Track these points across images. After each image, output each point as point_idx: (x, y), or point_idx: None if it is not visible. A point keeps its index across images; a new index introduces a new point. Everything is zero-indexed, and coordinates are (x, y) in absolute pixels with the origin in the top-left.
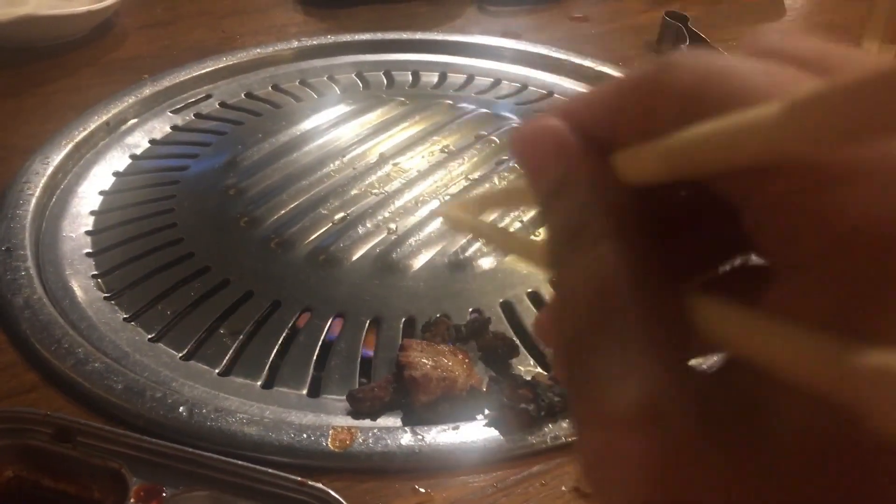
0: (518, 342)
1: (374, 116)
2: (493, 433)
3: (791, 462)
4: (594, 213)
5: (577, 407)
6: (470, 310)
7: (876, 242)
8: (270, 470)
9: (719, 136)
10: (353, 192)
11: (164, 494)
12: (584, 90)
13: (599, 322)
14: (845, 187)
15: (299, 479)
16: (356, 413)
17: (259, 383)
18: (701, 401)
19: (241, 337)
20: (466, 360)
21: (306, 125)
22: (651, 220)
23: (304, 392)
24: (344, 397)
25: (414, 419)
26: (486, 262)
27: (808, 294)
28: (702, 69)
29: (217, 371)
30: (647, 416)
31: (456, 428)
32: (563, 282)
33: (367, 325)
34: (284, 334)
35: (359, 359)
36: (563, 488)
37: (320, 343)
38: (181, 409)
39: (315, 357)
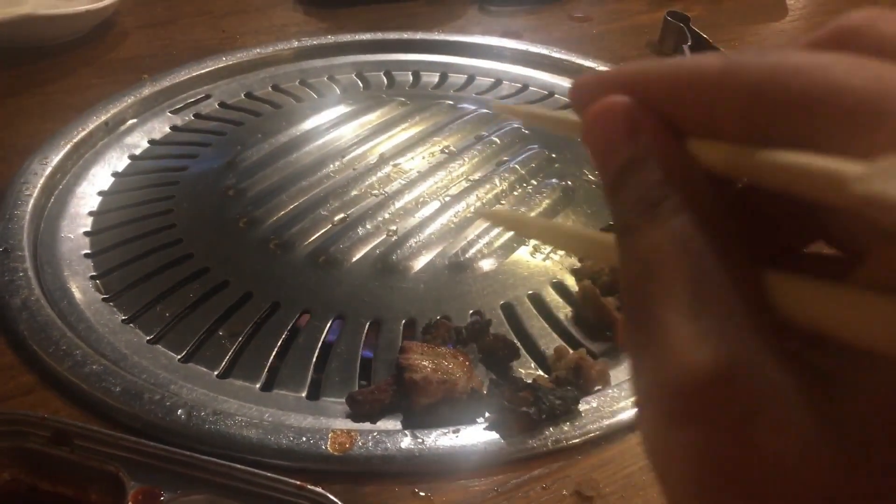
0: (519, 344)
1: (375, 117)
2: (494, 436)
3: (874, 431)
4: (674, 186)
5: (642, 377)
6: (470, 312)
7: None
8: (269, 474)
9: (798, 171)
10: (353, 192)
11: (162, 498)
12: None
13: (677, 288)
14: None
15: (298, 482)
16: (356, 415)
17: (258, 385)
18: (778, 371)
19: (240, 339)
20: (467, 363)
21: (306, 125)
22: (724, 199)
23: (304, 394)
24: (343, 400)
25: (414, 422)
26: (487, 264)
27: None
28: (770, 67)
29: (216, 373)
30: (721, 379)
31: (456, 431)
32: (636, 251)
33: (366, 326)
34: (284, 336)
35: (358, 361)
36: (565, 492)
37: (320, 345)
38: (179, 411)
39: (314, 359)
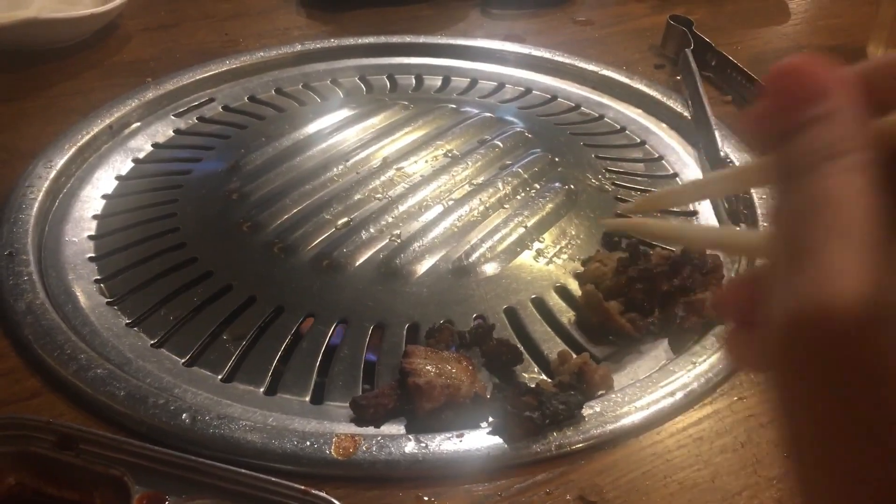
0: (522, 349)
1: (378, 120)
2: (498, 441)
3: None
4: (861, 144)
5: (790, 301)
6: (474, 316)
7: None
8: (272, 478)
9: None
10: (357, 196)
11: (166, 502)
12: (588, 95)
13: (852, 227)
14: None
15: (302, 487)
16: (360, 420)
17: (262, 390)
18: None
19: (244, 343)
20: (471, 367)
21: (309, 129)
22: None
23: (308, 398)
24: (347, 404)
25: (417, 426)
26: (490, 268)
27: None
28: None
29: (220, 377)
30: (873, 316)
31: (460, 436)
32: (812, 188)
33: (370, 331)
34: (287, 340)
35: (362, 365)
36: (568, 497)
37: (323, 349)
38: (184, 415)
39: (318, 363)
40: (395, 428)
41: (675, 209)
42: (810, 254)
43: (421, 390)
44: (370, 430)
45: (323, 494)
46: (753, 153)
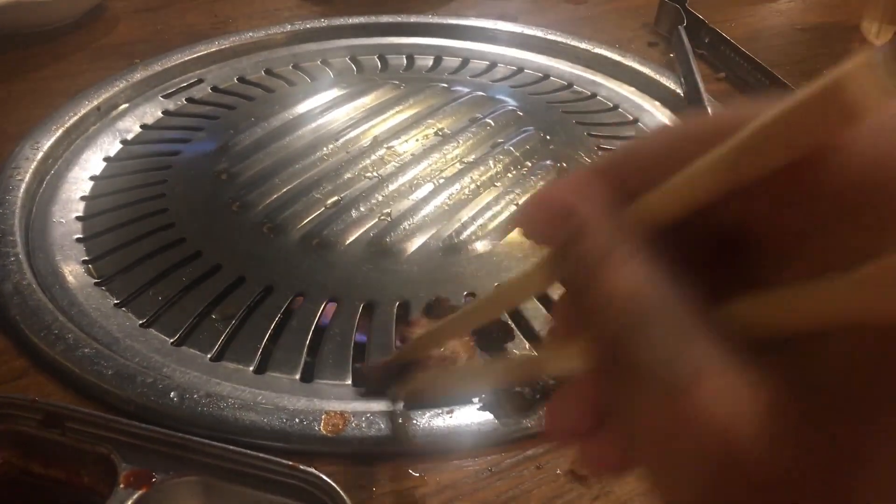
0: (513, 325)
1: (368, 100)
2: (488, 417)
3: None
4: (620, 239)
5: (633, 411)
6: (465, 293)
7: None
8: (261, 454)
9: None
10: (347, 175)
11: (153, 479)
12: (581, 73)
13: (642, 322)
14: (830, 157)
15: (290, 463)
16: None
17: (251, 368)
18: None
19: (234, 322)
20: (471, 343)
21: (299, 109)
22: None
23: (297, 377)
24: (338, 381)
25: (412, 400)
26: (481, 246)
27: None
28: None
29: (209, 356)
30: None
31: (450, 412)
32: (593, 302)
33: (360, 309)
34: (277, 319)
35: (352, 343)
36: (559, 471)
37: (313, 328)
38: (172, 394)
39: (308, 342)
40: (385, 404)
41: None
42: (633, 366)
43: (420, 363)
44: (360, 406)
45: (311, 470)
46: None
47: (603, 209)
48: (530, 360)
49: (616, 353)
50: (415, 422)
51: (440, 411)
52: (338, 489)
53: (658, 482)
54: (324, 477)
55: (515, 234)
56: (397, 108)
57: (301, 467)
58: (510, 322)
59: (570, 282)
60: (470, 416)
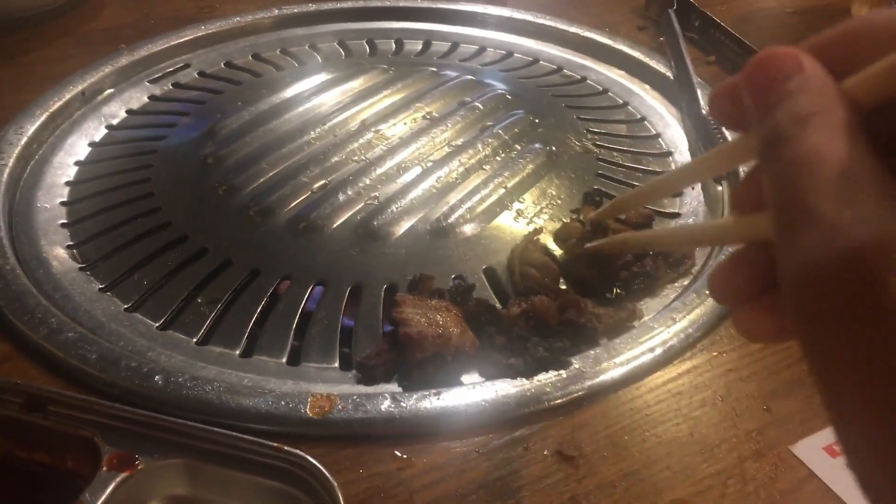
0: (500, 308)
1: (356, 84)
2: (476, 398)
3: None
4: (825, 105)
5: (797, 264)
6: (452, 276)
7: None
8: (246, 437)
9: None
10: (335, 159)
11: (137, 462)
12: (570, 57)
13: (831, 181)
14: None
15: (276, 445)
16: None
17: (237, 352)
18: None
19: (220, 306)
20: (460, 316)
21: (287, 94)
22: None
23: (284, 360)
24: (325, 364)
25: (403, 380)
26: (469, 229)
27: None
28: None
29: (195, 340)
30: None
31: (437, 394)
32: (790, 155)
33: (347, 292)
34: (263, 303)
35: (339, 327)
36: (546, 452)
37: (300, 311)
38: (157, 377)
39: (295, 325)
40: (371, 387)
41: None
42: (806, 214)
43: (413, 340)
44: (346, 389)
45: (297, 452)
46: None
47: (823, 76)
48: (715, 226)
49: (791, 208)
50: (403, 404)
51: (427, 393)
52: (323, 470)
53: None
54: (310, 458)
55: (502, 218)
56: (385, 92)
57: (286, 449)
58: (498, 305)
59: (770, 141)
60: (458, 398)
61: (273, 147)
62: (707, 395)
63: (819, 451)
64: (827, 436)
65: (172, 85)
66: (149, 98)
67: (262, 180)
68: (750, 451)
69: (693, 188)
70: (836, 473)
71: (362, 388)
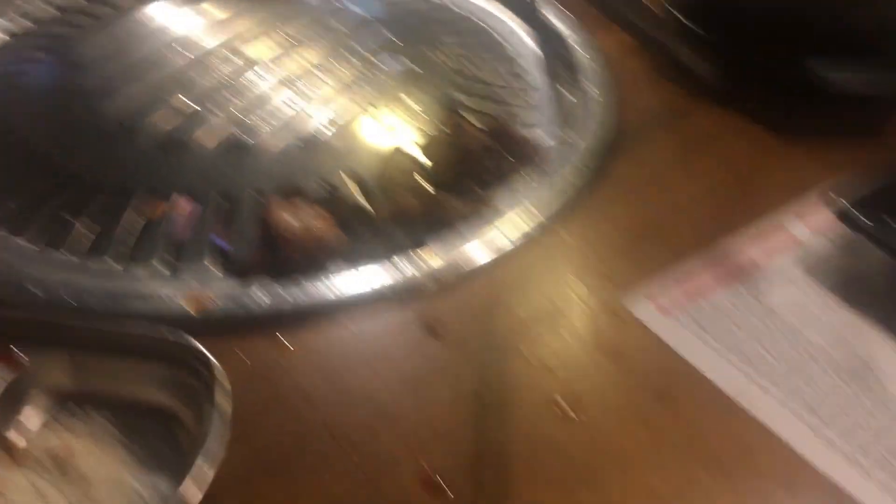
0: (371, 208)
1: (220, 9)
2: (349, 287)
3: None
4: None
5: None
6: (322, 183)
7: None
8: (127, 325)
9: None
10: (201, 82)
11: (19, 360)
12: None
13: None
14: None
15: (157, 328)
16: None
17: (116, 265)
18: None
19: (95, 225)
20: (329, 219)
21: (149, 23)
22: None
23: (162, 269)
24: (201, 269)
25: (279, 276)
26: (336, 140)
27: None
28: None
29: (74, 258)
30: None
31: (313, 285)
32: None
33: (220, 204)
34: (138, 220)
35: (214, 237)
36: (414, 328)
37: (173, 225)
38: (36, 290)
39: (170, 238)
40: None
41: None
42: None
43: (284, 239)
44: (224, 286)
45: (179, 333)
46: None
47: None
48: None
49: None
50: (279, 297)
51: (306, 282)
52: (205, 351)
53: None
54: (192, 340)
55: (369, 130)
56: (249, 17)
57: (167, 332)
58: (369, 207)
59: None
60: (330, 288)
61: (138, 74)
62: (554, 267)
63: (651, 309)
64: (657, 295)
65: (32, 22)
66: (9, 36)
67: (129, 105)
68: (593, 307)
69: (547, 99)
70: (664, 326)
71: (238, 286)
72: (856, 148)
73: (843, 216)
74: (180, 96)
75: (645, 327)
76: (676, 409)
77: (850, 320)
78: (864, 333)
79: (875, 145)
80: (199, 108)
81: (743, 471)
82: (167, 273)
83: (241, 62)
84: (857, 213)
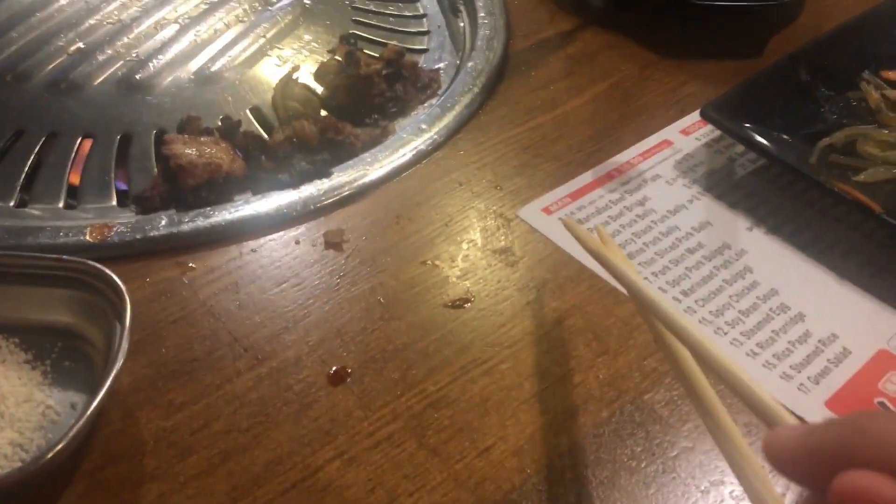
0: (267, 137)
1: None
2: (250, 210)
3: None
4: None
5: None
6: (220, 117)
7: None
8: (28, 253)
9: None
10: (89, 22)
11: None
12: None
13: None
14: None
15: (58, 255)
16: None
17: (12, 203)
18: None
19: None
20: (229, 148)
21: None
22: None
23: (61, 205)
24: (101, 204)
25: (181, 206)
26: (232, 75)
27: None
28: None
29: None
30: None
31: (212, 210)
32: None
33: (117, 140)
34: (32, 160)
35: (112, 172)
36: (315, 244)
37: (71, 163)
38: None
39: (67, 175)
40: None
41: None
42: None
43: (184, 170)
44: (124, 217)
45: (80, 260)
46: None
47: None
48: None
49: None
50: (180, 222)
51: (202, 211)
52: (107, 271)
53: None
54: (95, 263)
55: (264, 64)
56: None
57: (66, 257)
58: (265, 135)
59: None
60: (232, 213)
61: (22, 16)
62: (450, 182)
63: (538, 212)
64: (544, 200)
65: None
66: None
67: (14, 48)
68: (486, 215)
69: (439, 26)
70: (549, 226)
71: (135, 216)
72: (729, 63)
73: (708, 118)
74: (69, 39)
75: (532, 228)
76: (563, 296)
77: (714, 208)
78: (725, 219)
79: (750, 61)
80: (89, 50)
81: (625, 348)
82: (66, 210)
83: (132, 4)
84: (718, 115)
